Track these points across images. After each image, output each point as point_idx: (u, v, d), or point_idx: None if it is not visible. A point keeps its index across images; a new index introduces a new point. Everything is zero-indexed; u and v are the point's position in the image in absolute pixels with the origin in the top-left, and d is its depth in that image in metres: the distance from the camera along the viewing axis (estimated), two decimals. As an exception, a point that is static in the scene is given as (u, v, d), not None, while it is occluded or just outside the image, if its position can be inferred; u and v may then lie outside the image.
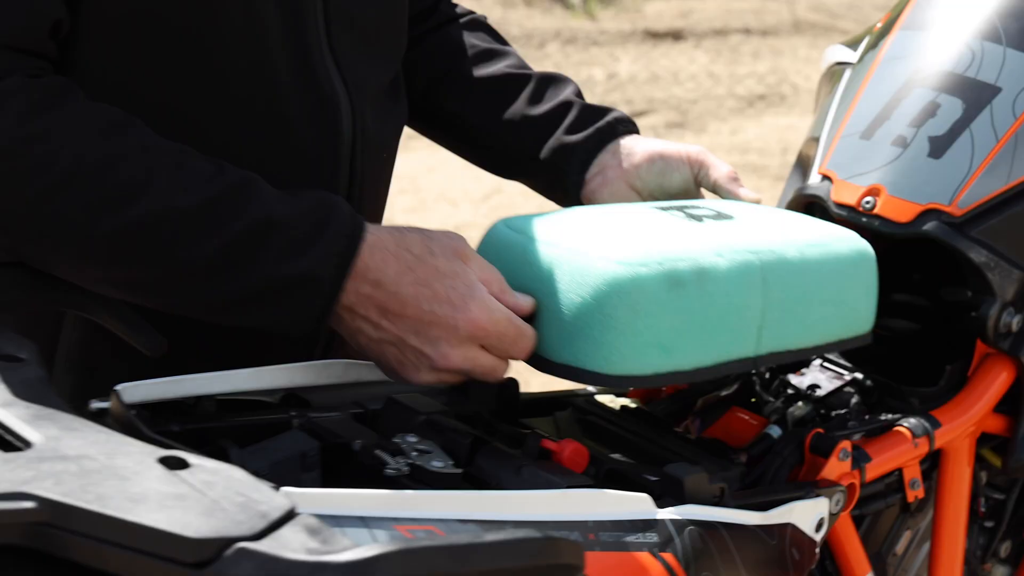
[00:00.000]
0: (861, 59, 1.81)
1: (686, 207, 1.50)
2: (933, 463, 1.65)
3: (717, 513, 1.29)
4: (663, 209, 1.49)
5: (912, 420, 1.60)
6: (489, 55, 1.77)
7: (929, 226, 1.61)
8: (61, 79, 1.29)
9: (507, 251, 1.39)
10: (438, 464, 1.20)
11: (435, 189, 5.75)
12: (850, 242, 1.50)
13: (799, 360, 1.50)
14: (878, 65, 1.75)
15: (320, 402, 1.36)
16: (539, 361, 1.36)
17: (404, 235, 1.32)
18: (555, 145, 1.70)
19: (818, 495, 1.45)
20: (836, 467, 1.51)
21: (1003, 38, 1.67)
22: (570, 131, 1.70)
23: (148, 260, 1.26)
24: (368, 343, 1.32)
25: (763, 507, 1.39)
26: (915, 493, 1.61)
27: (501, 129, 1.73)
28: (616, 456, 1.43)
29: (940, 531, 1.63)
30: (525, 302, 1.35)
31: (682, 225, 1.44)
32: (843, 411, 1.63)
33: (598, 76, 7.48)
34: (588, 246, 1.35)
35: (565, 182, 1.71)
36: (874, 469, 1.56)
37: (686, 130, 6.83)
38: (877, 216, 1.64)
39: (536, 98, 1.72)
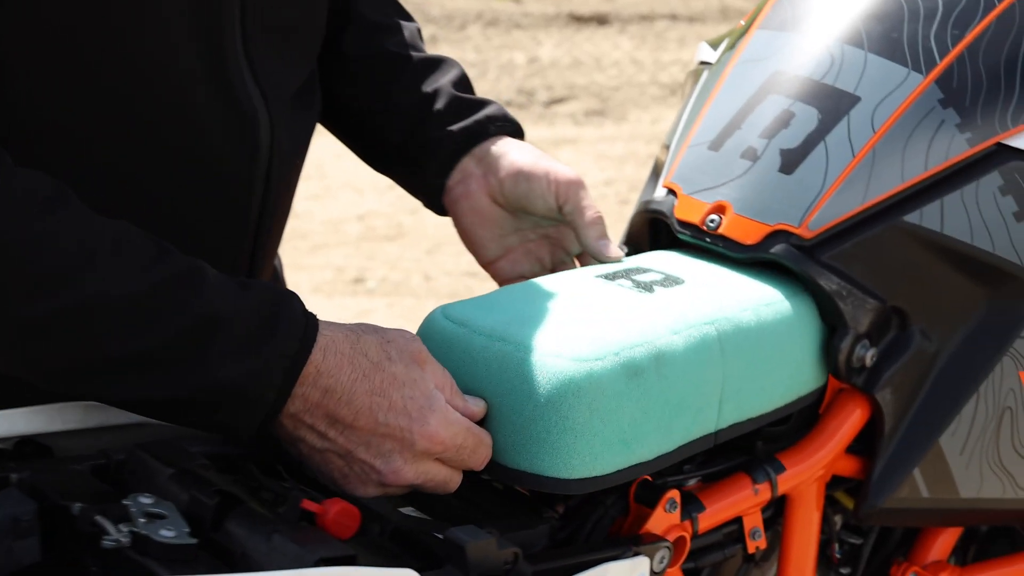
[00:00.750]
0: (719, 60, 1.65)
1: (633, 272, 1.43)
2: (778, 509, 1.50)
3: (504, 585, 1.13)
4: (609, 279, 1.41)
5: (753, 464, 1.45)
6: (375, 30, 1.57)
7: (776, 249, 1.45)
8: None
9: (448, 346, 1.31)
10: (168, 534, 1.03)
11: (341, 176, 5.57)
12: (801, 296, 1.44)
13: (757, 427, 1.42)
14: (733, 68, 1.59)
15: (68, 450, 1.20)
16: (491, 467, 1.29)
17: (360, 336, 1.21)
18: (416, 142, 1.53)
19: (637, 553, 1.30)
20: (663, 519, 1.35)
21: (865, 42, 1.52)
22: (434, 127, 1.53)
23: (76, 350, 1.13)
24: (310, 452, 1.22)
25: (570, 571, 1.23)
26: (756, 543, 1.45)
27: (368, 116, 1.56)
28: (408, 511, 1.27)
29: (785, 584, 1.49)
30: (477, 407, 1.27)
31: (632, 300, 1.37)
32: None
33: (519, 60, 7.31)
34: (538, 342, 1.28)
35: (425, 185, 1.55)
36: (708, 519, 1.41)
37: (606, 118, 6.68)
38: (721, 237, 1.48)
39: (410, 84, 1.55)
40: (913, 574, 1.60)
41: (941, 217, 1.46)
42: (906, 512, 1.51)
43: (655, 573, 1.32)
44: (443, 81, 1.54)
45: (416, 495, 1.29)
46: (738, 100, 1.54)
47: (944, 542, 1.62)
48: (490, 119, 1.53)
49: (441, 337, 1.32)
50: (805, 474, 1.46)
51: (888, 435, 1.48)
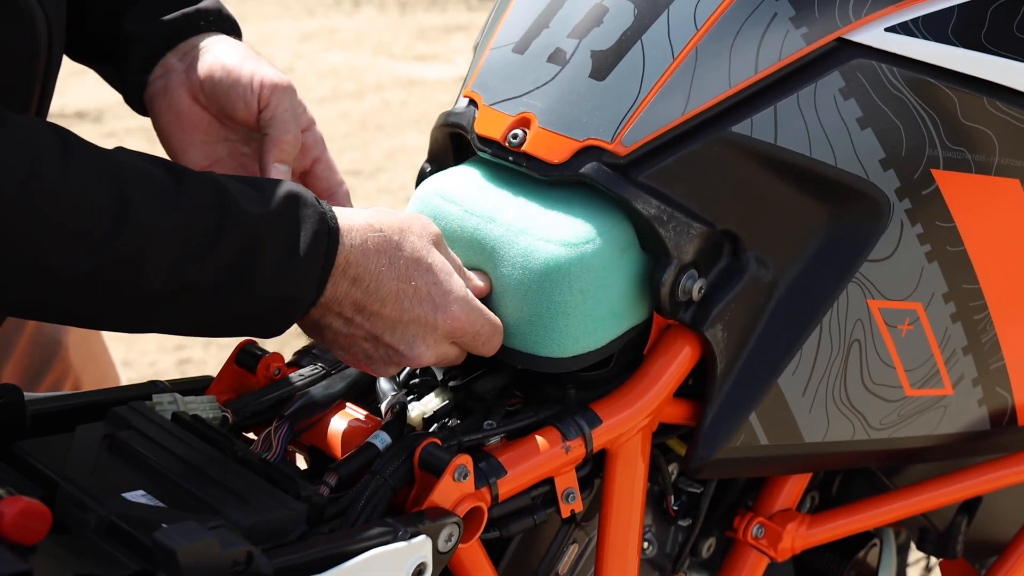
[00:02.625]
0: (535, -54, 1.44)
1: None
2: (599, 464, 1.31)
3: (224, 596, 0.94)
4: None
5: (563, 417, 1.26)
6: None
7: (587, 168, 1.25)
8: None
9: (441, 223, 1.29)
10: None
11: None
12: (616, 221, 1.32)
13: None
14: (545, -44, 1.37)
15: None
16: None
17: (381, 222, 1.20)
18: (115, 36, 1.35)
19: (416, 534, 1.11)
20: (452, 489, 1.17)
21: (689, -77, 1.31)
22: (137, 19, 1.35)
23: (123, 294, 1.08)
24: (335, 337, 1.21)
25: (327, 563, 1.04)
26: (571, 506, 1.27)
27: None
28: (137, 495, 1.07)
29: (605, 547, 1.30)
30: (484, 283, 1.27)
31: None
32: (486, 405, 1.29)
33: (414, -58, 7.01)
34: (530, 225, 1.26)
35: (125, 83, 1.37)
36: (511, 483, 1.22)
37: (503, 2, 6.43)
38: (525, 155, 1.28)
39: None
40: (758, 526, 1.43)
41: (775, 127, 1.26)
42: (743, 462, 1.33)
43: (441, 553, 1.14)
44: None
45: (152, 475, 1.10)
46: (546, -6, 1.33)
47: (792, 489, 1.45)
48: (202, 13, 1.35)
49: (434, 214, 1.30)
50: (625, 425, 1.28)
51: (720, 377, 1.30)
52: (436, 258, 1.21)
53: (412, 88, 5.26)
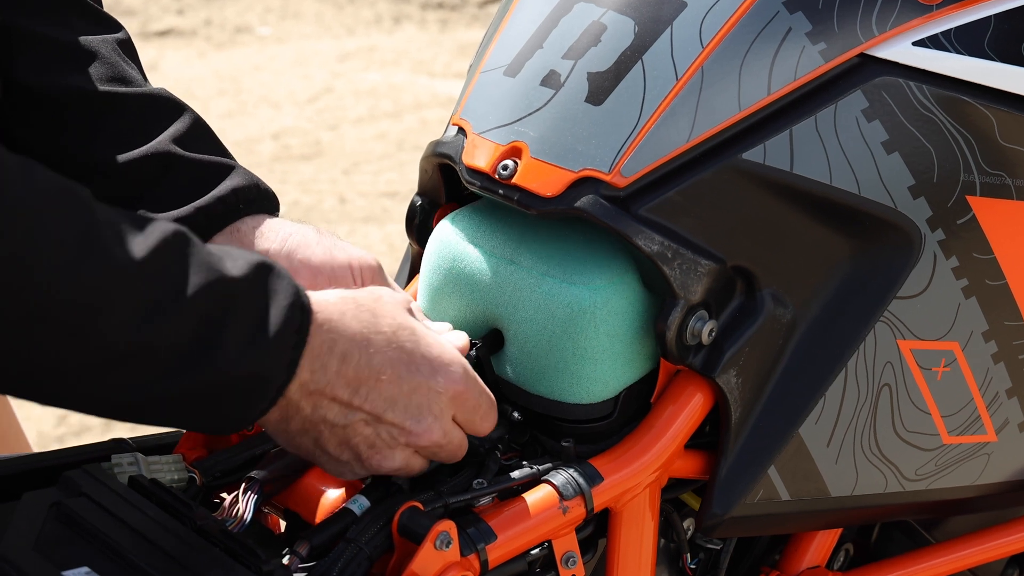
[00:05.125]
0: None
1: None
2: (602, 525, 1.20)
3: None
4: None
5: (559, 474, 1.15)
6: (55, 54, 1.21)
7: (582, 202, 1.15)
8: None
9: (461, 262, 1.22)
10: None
11: (258, 90, 5.24)
12: (617, 259, 1.24)
13: None
14: (540, -30, 1.27)
15: None
16: (512, 390, 1.21)
17: (352, 294, 1.10)
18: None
19: (390, 611, 1.01)
20: (433, 558, 1.06)
21: (695, -69, 1.20)
22: (163, 202, 1.20)
23: (72, 344, 0.94)
24: (331, 433, 1.08)
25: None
26: (572, 571, 1.16)
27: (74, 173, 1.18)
28: (79, 574, 0.97)
29: (612, 616, 1.20)
30: (461, 343, 1.18)
31: None
32: (479, 461, 1.18)
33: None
34: (552, 265, 1.18)
35: None
36: (501, 549, 1.11)
37: None
38: (516, 188, 1.17)
39: (124, 134, 1.21)
40: (783, 585, 1.32)
41: (791, 153, 1.15)
42: (763, 519, 1.22)
43: (419, 631, 1.03)
44: (163, 136, 1.20)
45: (100, 548, 1.00)
46: (540, 12, 1.22)
47: (820, 545, 1.33)
48: (239, 192, 1.20)
49: (452, 255, 1.22)
50: (629, 482, 1.17)
51: (735, 427, 1.19)
52: (416, 323, 1.12)
53: (451, 106, 5.17)
